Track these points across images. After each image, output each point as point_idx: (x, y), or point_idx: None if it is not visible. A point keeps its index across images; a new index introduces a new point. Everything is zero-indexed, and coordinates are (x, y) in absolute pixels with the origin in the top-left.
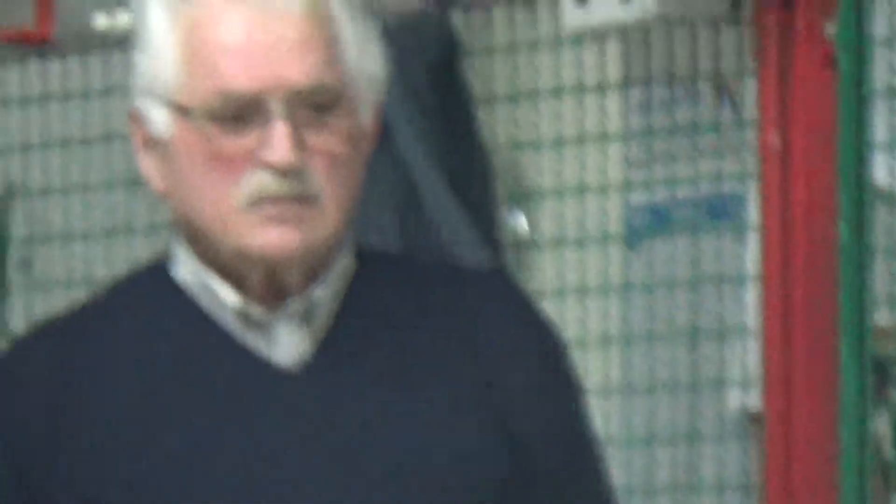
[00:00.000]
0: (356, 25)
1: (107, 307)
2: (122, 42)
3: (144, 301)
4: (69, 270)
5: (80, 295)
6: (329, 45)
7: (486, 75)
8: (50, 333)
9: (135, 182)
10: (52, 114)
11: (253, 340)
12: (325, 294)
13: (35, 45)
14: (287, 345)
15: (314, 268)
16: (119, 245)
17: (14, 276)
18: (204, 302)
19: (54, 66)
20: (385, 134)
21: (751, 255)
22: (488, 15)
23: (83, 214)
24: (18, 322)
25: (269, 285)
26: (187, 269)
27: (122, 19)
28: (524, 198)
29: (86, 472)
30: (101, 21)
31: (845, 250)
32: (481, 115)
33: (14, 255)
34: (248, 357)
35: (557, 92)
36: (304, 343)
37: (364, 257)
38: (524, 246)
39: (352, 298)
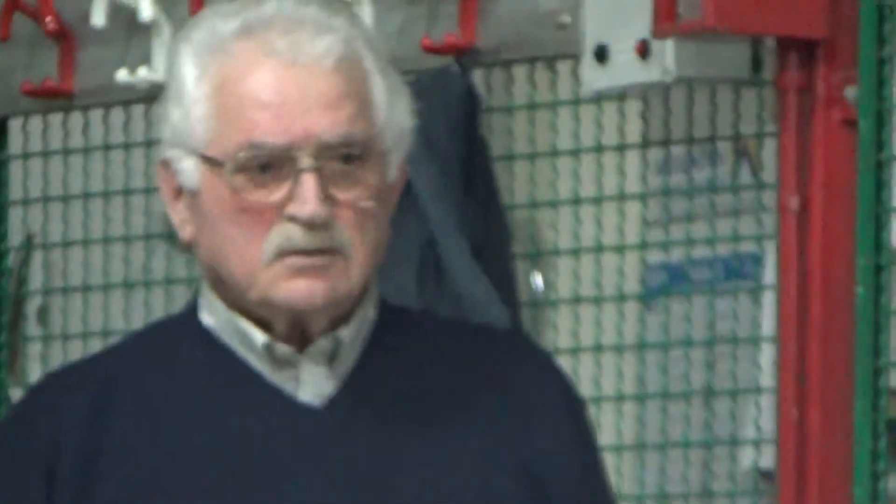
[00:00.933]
0: (386, 79)
1: (138, 350)
2: (144, 97)
3: (174, 344)
4: (86, 322)
5: (96, 347)
6: (359, 98)
7: (505, 133)
8: (83, 372)
9: (153, 236)
10: (74, 167)
11: (280, 380)
12: (349, 336)
13: (58, 98)
14: (313, 384)
15: (338, 316)
16: (136, 298)
17: (31, 327)
18: (233, 344)
19: (76, 120)
20: (406, 188)
21: (767, 315)
22: (509, 74)
23: (102, 267)
24: (35, 372)
25: (295, 330)
26: (215, 314)
27: (143, 74)
28: (541, 256)
29: None
30: (122, 76)
31: (861, 312)
32: (500, 172)
33: (32, 305)
34: (276, 395)
35: (576, 151)
36: (329, 383)
37: (386, 309)
38: (540, 304)
39: (374, 345)
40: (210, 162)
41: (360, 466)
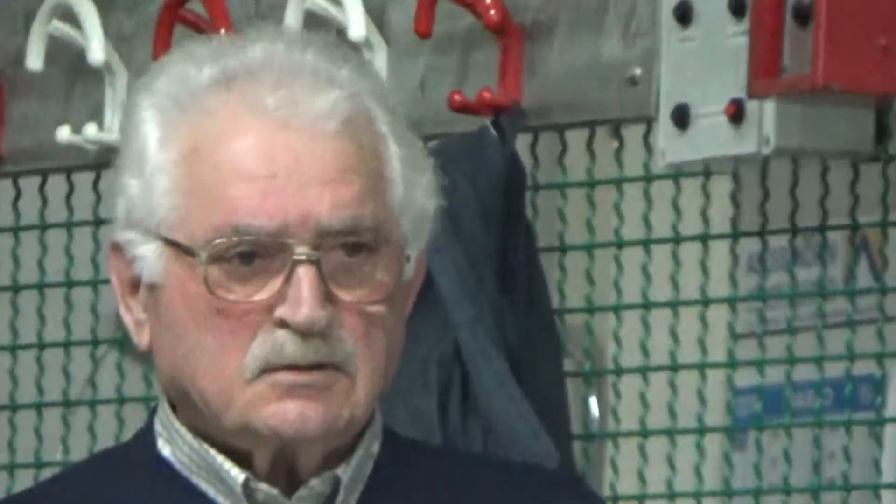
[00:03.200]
0: (403, 147)
1: (78, 487)
2: (92, 163)
3: (124, 481)
4: (13, 450)
5: (26, 482)
6: (369, 171)
7: (555, 216)
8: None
9: (101, 342)
10: (1, 250)
11: None
12: (349, 476)
13: None
14: None
15: (336, 450)
16: (79, 420)
17: None
18: (200, 483)
19: (5, 190)
20: (427, 286)
21: (889, 455)
22: (562, 140)
23: (35, 380)
24: None
25: (281, 466)
26: (177, 444)
27: (91, 133)
28: (599, 375)
29: None
30: (64, 135)
31: None
32: (547, 266)
33: None
34: None
35: (647, 242)
36: None
37: (394, 443)
38: (597, 436)
39: (378, 489)
40: (177, 249)
41: None
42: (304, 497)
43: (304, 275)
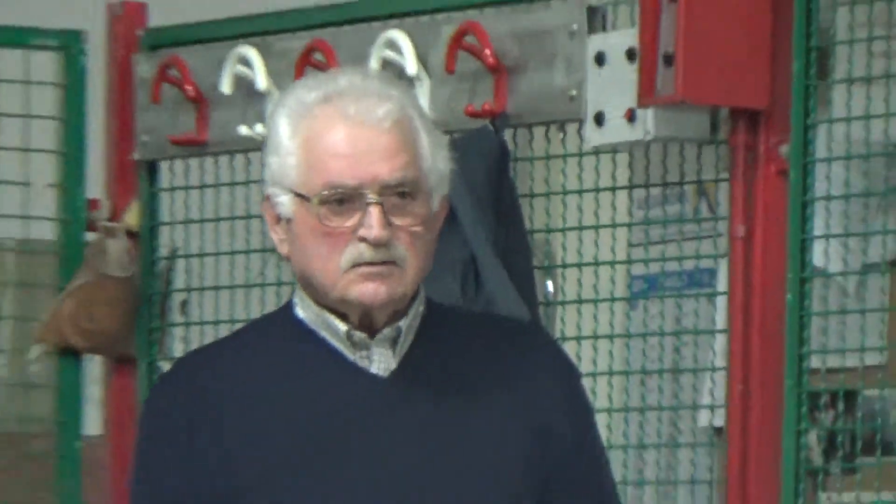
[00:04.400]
0: (429, 135)
1: (251, 335)
2: (258, 146)
3: (275, 332)
4: (216, 313)
5: (223, 331)
6: (410, 149)
7: (527, 177)
8: (210, 353)
9: (267, 250)
10: (207, 198)
11: (356, 358)
12: (406, 325)
13: (195, 146)
14: (380, 361)
15: (397, 311)
16: (254, 295)
17: (175, 316)
18: (320, 332)
19: (209, 163)
20: (452, 218)
21: (720, 314)
22: (530, 133)
23: (229, 272)
24: (178, 350)
25: (365, 321)
26: (306, 309)
27: (258, 129)
28: (553, 269)
29: (225, 454)
30: (243, 130)
31: (790, 313)
32: (523, 206)
33: (175, 300)
34: (353, 369)
35: (580, 191)
36: (392, 360)
37: (433, 306)
38: (551, 304)
39: (424, 332)
40: (300, 197)
41: (413, 419)
42: (379, 339)
43: (374, 211)
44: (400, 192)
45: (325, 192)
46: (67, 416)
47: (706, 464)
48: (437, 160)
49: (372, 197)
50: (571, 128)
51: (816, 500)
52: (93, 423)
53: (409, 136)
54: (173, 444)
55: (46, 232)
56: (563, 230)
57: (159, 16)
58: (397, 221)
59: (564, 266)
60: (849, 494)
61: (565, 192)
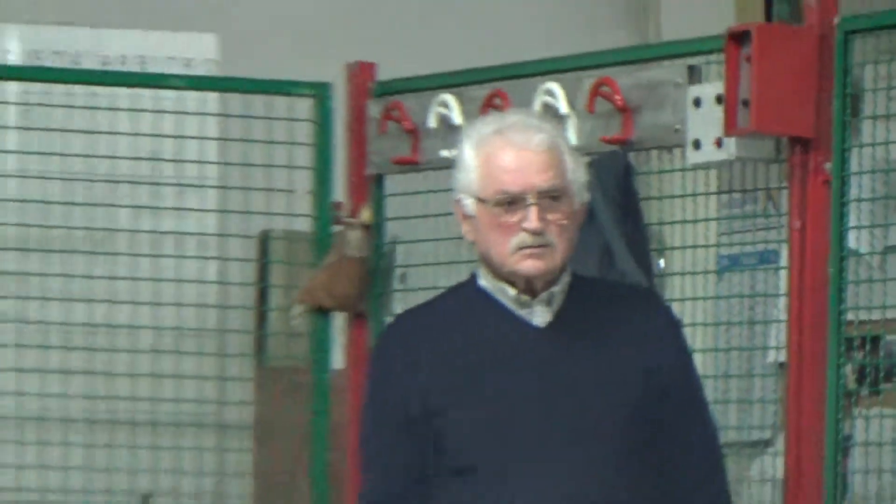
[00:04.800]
0: (571, 156)
1: (448, 299)
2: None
3: (464, 296)
4: (427, 281)
5: (430, 296)
6: (557, 166)
7: (645, 186)
8: (421, 312)
9: (459, 238)
10: (418, 201)
11: (522, 314)
12: (558, 290)
13: (410, 164)
14: (540, 316)
15: (551, 280)
16: (455, 270)
17: (396, 284)
18: (496, 295)
19: (421, 177)
20: (591, 216)
21: (782, 282)
22: (648, 155)
23: (433, 253)
24: (398, 308)
25: (528, 287)
26: (486, 280)
27: (454, 153)
28: (663, 251)
29: (429, 381)
30: (444, 153)
31: (832, 281)
32: (643, 207)
33: (397, 273)
34: (520, 322)
35: (683, 196)
36: (548, 315)
37: (578, 278)
38: (663, 276)
39: (571, 295)
40: (481, 201)
41: (562, 355)
42: (539, 300)
43: (532, 209)
44: (551, 196)
45: (499, 197)
46: (319, 356)
47: (772, 388)
48: (576, 174)
49: (531, 199)
50: (677, 151)
51: (851, 414)
52: (338, 360)
53: (557, 157)
54: (394, 375)
55: (305, 225)
56: (671, 223)
57: (385, 72)
58: (549, 217)
59: (672, 248)
60: (875, 410)
61: (672, 197)
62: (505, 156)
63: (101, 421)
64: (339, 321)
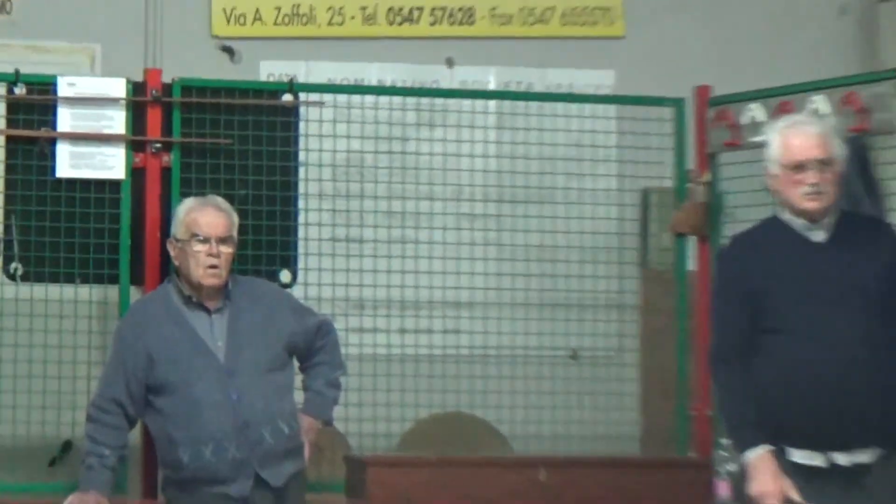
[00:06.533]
0: (835, 139)
1: (762, 226)
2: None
3: (773, 225)
4: (750, 217)
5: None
6: (826, 144)
7: (878, 159)
8: (741, 234)
9: (767, 189)
10: (741, 168)
11: (809, 234)
12: (829, 221)
13: (733, 146)
14: (819, 235)
15: (824, 213)
16: (764, 210)
17: (728, 220)
18: (792, 224)
19: (739, 154)
20: (845, 177)
21: None
22: (875, 140)
23: (751, 198)
24: (730, 232)
25: (816, 218)
26: (785, 215)
27: (761, 139)
28: (887, 200)
29: (757, 276)
30: (753, 139)
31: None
32: (877, 172)
33: (728, 215)
34: (806, 240)
35: None
36: (825, 235)
37: (842, 213)
38: (886, 215)
39: (839, 223)
40: (782, 166)
41: (836, 259)
42: (819, 225)
43: (810, 172)
44: (822, 162)
45: (790, 164)
46: (680, 262)
47: None
48: (837, 151)
49: (812, 165)
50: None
51: None
52: (691, 265)
53: (827, 140)
54: (732, 268)
55: (671, 184)
56: (893, 179)
57: (718, 90)
58: (822, 176)
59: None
60: None
61: (893, 163)
62: (795, 139)
63: (535, 304)
64: (692, 241)
